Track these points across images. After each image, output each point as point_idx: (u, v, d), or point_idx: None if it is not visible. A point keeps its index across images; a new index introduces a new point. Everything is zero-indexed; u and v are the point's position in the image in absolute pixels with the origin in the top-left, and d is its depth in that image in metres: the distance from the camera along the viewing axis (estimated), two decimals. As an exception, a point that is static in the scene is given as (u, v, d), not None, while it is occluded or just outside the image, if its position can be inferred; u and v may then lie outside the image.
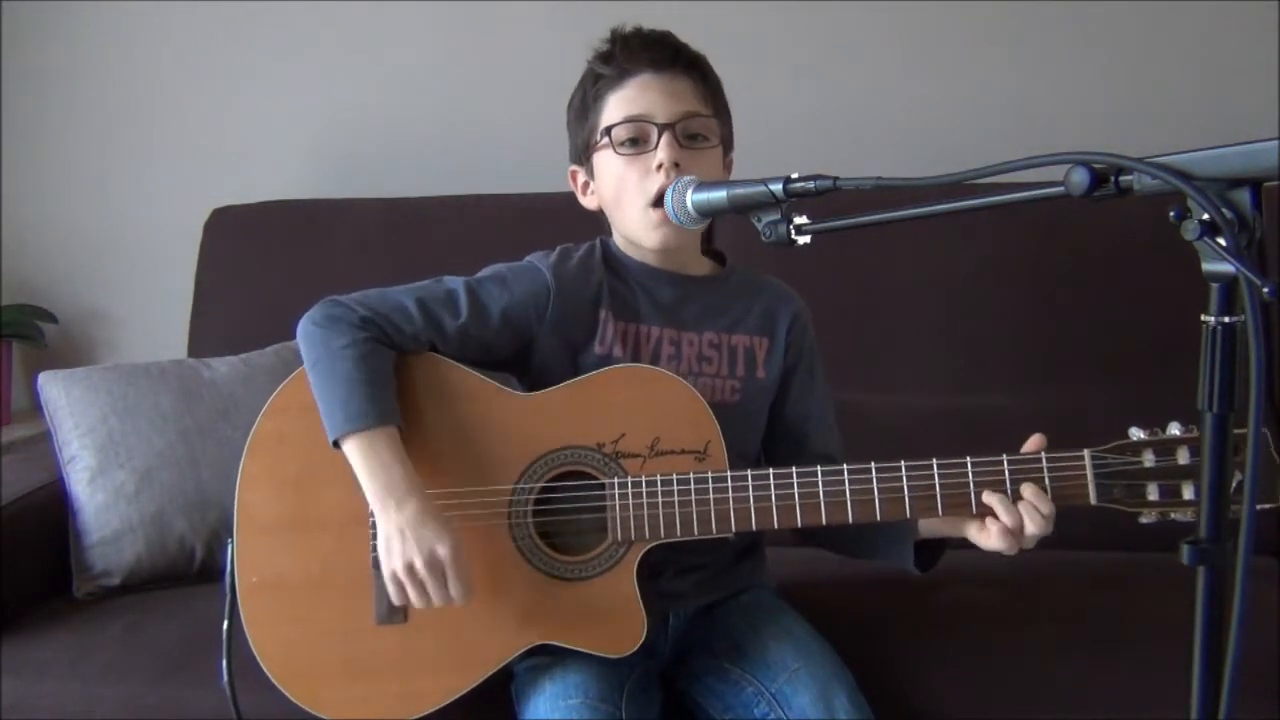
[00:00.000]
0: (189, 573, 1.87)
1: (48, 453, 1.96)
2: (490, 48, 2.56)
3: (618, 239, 1.53)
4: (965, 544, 1.37)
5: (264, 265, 2.34)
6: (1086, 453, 1.30)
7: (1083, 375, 2.12)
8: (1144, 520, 1.28)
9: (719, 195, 1.28)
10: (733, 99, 1.51)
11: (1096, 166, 0.94)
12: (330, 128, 2.62)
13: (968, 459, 1.32)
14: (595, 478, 1.38)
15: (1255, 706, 1.39)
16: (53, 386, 1.95)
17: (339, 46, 2.60)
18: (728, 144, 1.51)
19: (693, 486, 1.35)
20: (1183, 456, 1.27)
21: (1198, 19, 2.36)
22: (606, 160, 1.46)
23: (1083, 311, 2.15)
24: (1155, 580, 1.45)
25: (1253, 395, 0.84)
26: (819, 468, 1.34)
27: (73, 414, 1.91)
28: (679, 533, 1.35)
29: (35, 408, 2.16)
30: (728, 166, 1.51)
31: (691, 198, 1.32)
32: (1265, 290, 0.82)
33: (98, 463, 1.88)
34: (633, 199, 1.43)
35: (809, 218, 1.20)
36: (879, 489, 1.33)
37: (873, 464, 1.33)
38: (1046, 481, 1.30)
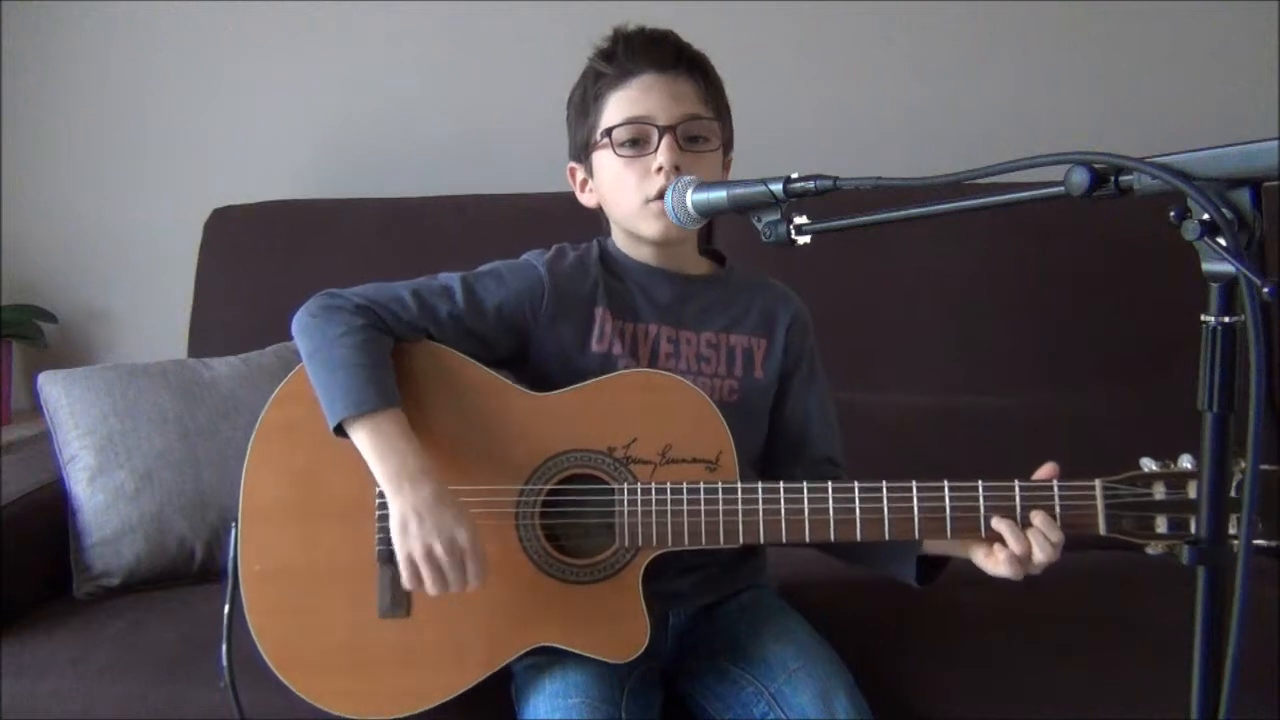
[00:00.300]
0: (189, 573, 1.87)
1: (48, 453, 1.96)
2: (490, 48, 2.56)
3: (616, 238, 1.53)
4: (967, 561, 1.37)
5: (264, 265, 2.34)
6: (1098, 483, 1.29)
7: (1083, 375, 2.13)
8: (1150, 552, 1.27)
9: (719, 195, 1.28)
10: (733, 99, 1.51)
11: (1096, 166, 0.94)
12: (330, 128, 2.62)
13: (979, 482, 1.31)
14: (605, 482, 1.37)
15: (1255, 706, 1.38)
16: (53, 386, 1.95)
17: (339, 47, 2.60)
18: (728, 145, 1.50)
19: (702, 497, 1.35)
20: (1193, 490, 1.25)
21: (1198, 19, 2.36)
22: (606, 160, 1.46)
23: (1083, 312, 2.15)
24: (1155, 580, 1.46)
25: (1253, 395, 0.84)
26: (830, 484, 1.34)
27: (73, 414, 1.91)
28: (686, 542, 1.35)
29: (35, 408, 2.17)
30: (727, 166, 1.51)
31: (691, 197, 1.32)
32: (1265, 290, 0.82)
33: (98, 463, 1.88)
34: (631, 198, 1.43)
35: (809, 218, 1.20)
36: (889, 509, 1.32)
37: (884, 484, 1.33)
38: (1057, 509, 1.29)
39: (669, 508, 1.35)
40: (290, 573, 1.40)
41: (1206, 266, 0.90)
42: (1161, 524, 1.27)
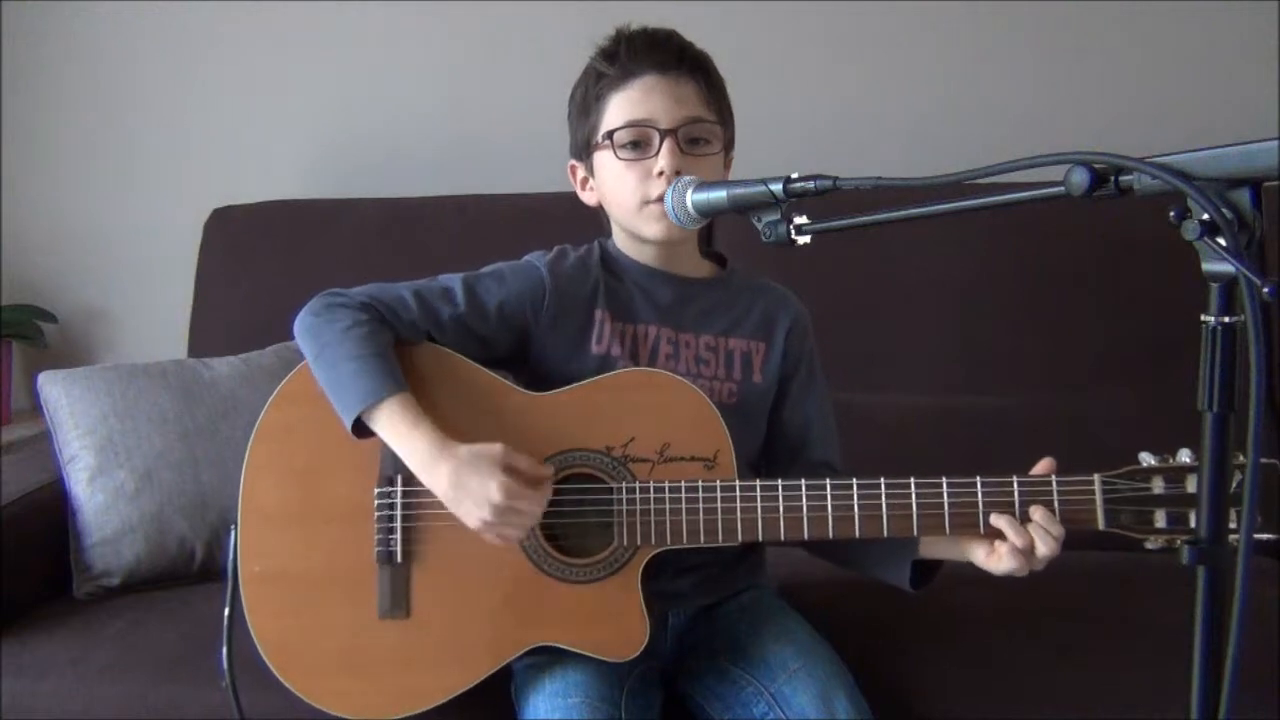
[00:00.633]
0: (189, 573, 1.87)
1: (48, 453, 1.96)
2: (491, 48, 2.56)
3: (617, 239, 1.53)
4: (967, 562, 1.36)
5: (264, 265, 2.34)
6: (1097, 477, 1.29)
7: (1083, 375, 2.13)
8: (1149, 546, 1.28)
9: (719, 195, 1.28)
10: (734, 98, 1.50)
11: (1096, 166, 0.94)
12: (330, 128, 2.62)
13: (977, 478, 1.31)
14: (603, 481, 1.37)
15: (1255, 706, 1.38)
16: (53, 386, 1.95)
17: (339, 47, 2.60)
18: (729, 146, 1.50)
19: (700, 495, 1.35)
20: (1191, 485, 1.26)
21: (1198, 19, 2.36)
22: (607, 161, 1.45)
23: (1083, 312, 2.15)
24: (1155, 580, 1.45)
25: (1253, 395, 0.84)
26: (828, 481, 1.34)
27: (73, 414, 1.91)
28: (685, 540, 1.35)
29: (35, 408, 2.17)
30: (727, 166, 1.51)
31: (691, 197, 1.32)
32: (1265, 290, 0.82)
33: (98, 463, 1.88)
34: (631, 200, 1.43)
35: (809, 218, 1.20)
36: (887, 505, 1.32)
37: (882, 480, 1.33)
38: (1056, 504, 1.29)
39: (667, 506, 1.35)
40: (290, 574, 1.40)
41: (1206, 266, 0.89)
42: (1160, 518, 1.27)
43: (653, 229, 1.43)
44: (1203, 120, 2.29)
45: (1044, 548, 1.29)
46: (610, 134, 1.43)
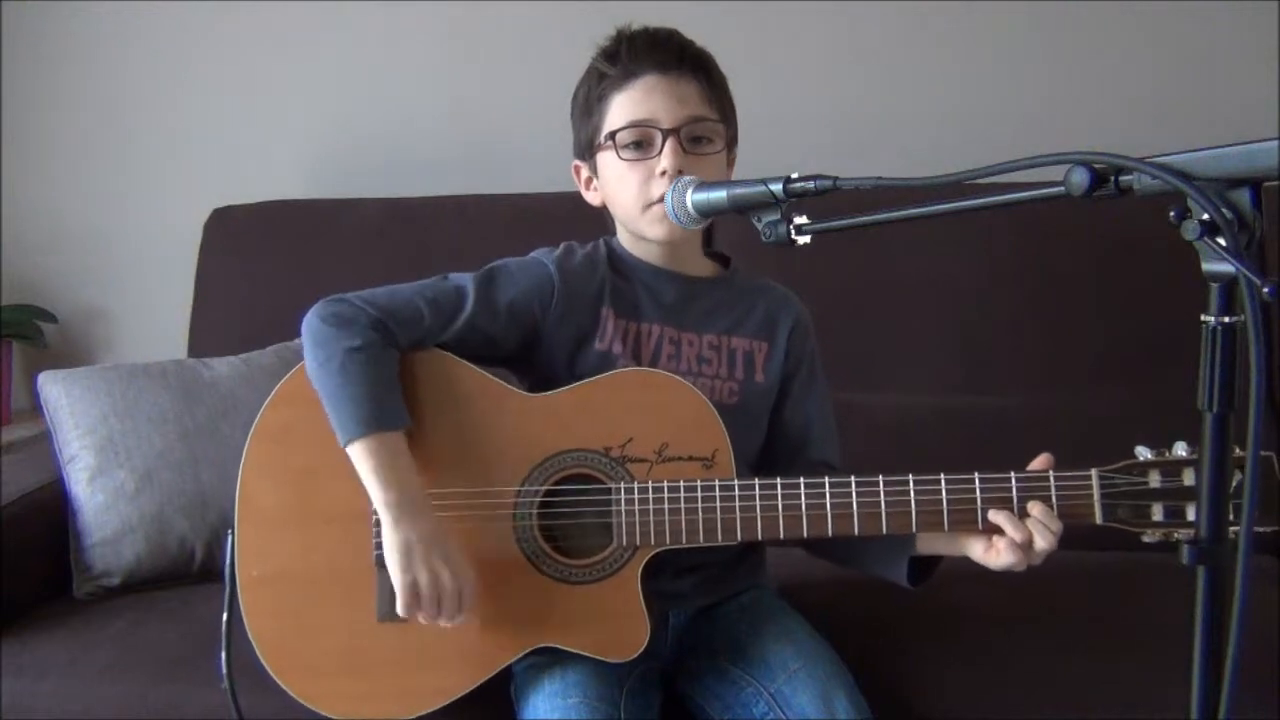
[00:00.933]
0: (189, 573, 1.87)
1: (48, 453, 1.96)
2: (491, 48, 2.56)
3: (621, 238, 1.53)
4: (966, 559, 1.36)
5: (264, 265, 2.34)
6: (1094, 472, 1.29)
7: (1083, 375, 2.13)
8: (1147, 539, 1.28)
9: (719, 195, 1.28)
10: (735, 98, 1.50)
11: (1096, 166, 0.94)
12: (330, 128, 2.62)
13: (975, 475, 1.31)
14: (601, 481, 1.37)
15: (1255, 706, 1.38)
16: (53, 386, 1.95)
17: (339, 46, 2.60)
18: (732, 143, 1.50)
19: (699, 494, 1.35)
20: (1188, 478, 1.26)
21: (1198, 19, 2.36)
22: (610, 162, 1.45)
23: (1083, 312, 2.15)
24: (1155, 580, 1.45)
25: (1253, 395, 0.84)
26: (826, 479, 1.34)
27: (73, 414, 1.91)
28: (684, 540, 1.35)
29: (35, 408, 2.17)
30: (731, 163, 1.51)
31: (691, 197, 1.32)
32: (1265, 290, 0.82)
33: (98, 463, 1.88)
34: (634, 201, 1.43)
35: (809, 218, 1.20)
36: (886, 501, 1.32)
37: (880, 477, 1.33)
38: (1053, 499, 1.30)
39: (666, 506, 1.35)
40: (288, 577, 1.40)
41: (1206, 266, 0.89)
42: (1158, 512, 1.27)
43: (655, 231, 1.44)
44: (1203, 120, 2.29)
45: (1042, 542, 1.29)
46: (612, 134, 1.43)
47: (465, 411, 1.39)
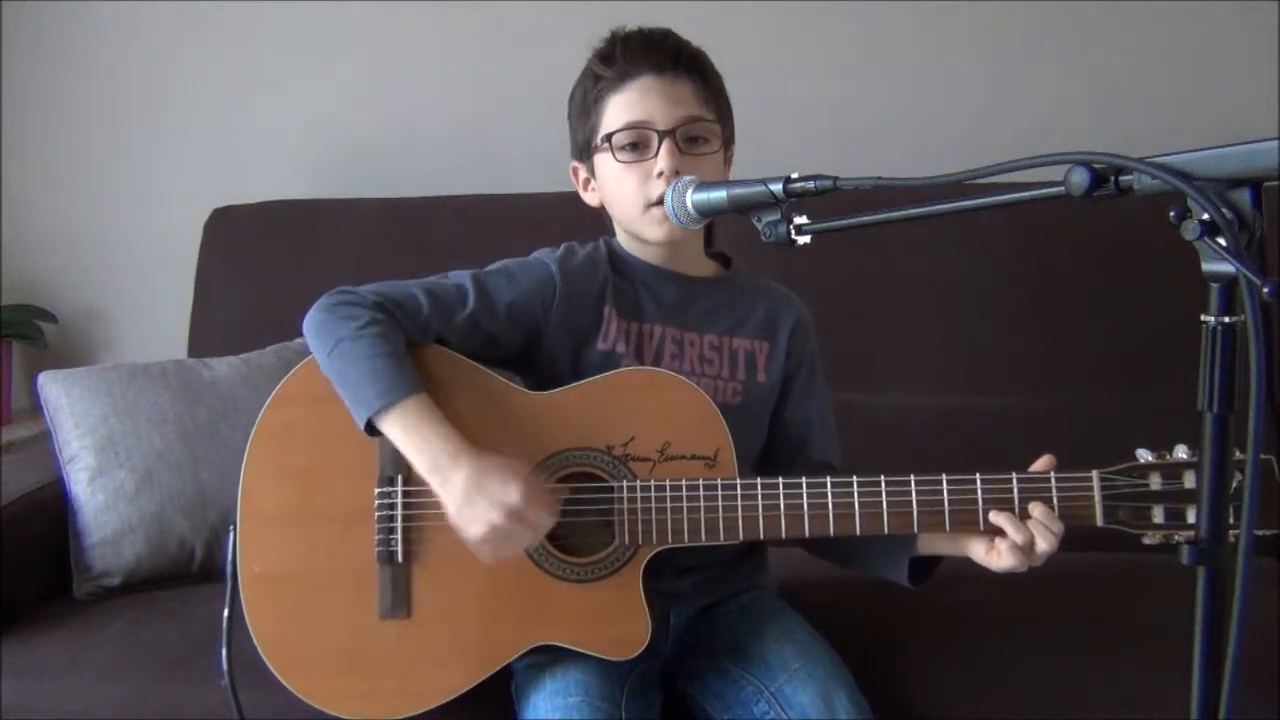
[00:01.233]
0: (189, 573, 1.87)
1: (48, 453, 1.96)
2: (491, 48, 2.56)
3: (621, 238, 1.53)
4: (966, 559, 1.36)
5: (264, 265, 2.34)
6: (1095, 474, 1.29)
7: (1083, 375, 2.13)
8: (1147, 541, 1.28)
9: (719, 195, 1.28)
10: (734, 98, 1.50)
11: (1096, 166, 0.94)
12: (330, 128, 2.62)
13: (977, 476, 1.31)
14: (604, 480, 1.37)
15: (1255, 706, 1.38)
16: (53, 386, 1.95)
17: (339, 47, 2.60)
18: (729, 143, 1.50)
19: (701, 493, 1.35)
20: (1189, 480, 1.26)
21: (1198, 19, 2.36)
22: (607, 164, 1.45)
23: (1083, 312, 2.15)
24: (1155, 580, 1.45)
25: (1253, 395, 0.84)
26: (828, 479, 1.34)
27: (73, 414, 1.91)
28: (686, 539, 1.35)
29: (35, 408, 2.17)
30: (728, 162, 1.51)
31: (691, 198, 1.32)
32: (1265, 290, 0.82)
33: (98, 463, 1.88)
34: (633, 202, 1.43)
35: (809, 218, 1.20)
36: (887, 502, 1.32)
37: (882, 477, 1.33)
38: (1054, 501, 1.30)
39: (668, 505, 1.35)
40: (290, 575, 1.40)
41: (1206, 266, 0.90)
42: (1158, 514, 1.28)
43: (655, 232, 1.44)
44: (1203, 120, 2.29)
45: (1043, 544, 1.29)
46: (609, 137, 1.43)
47: (469, 408, 1.39)
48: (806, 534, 1.34)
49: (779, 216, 1.21)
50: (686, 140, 1.42)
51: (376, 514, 1.38)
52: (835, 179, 1.14)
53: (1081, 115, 2.40)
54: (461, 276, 1.46)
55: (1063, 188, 0.97)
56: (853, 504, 1.33)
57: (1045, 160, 0.97)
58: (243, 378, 1.99)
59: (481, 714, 1.41)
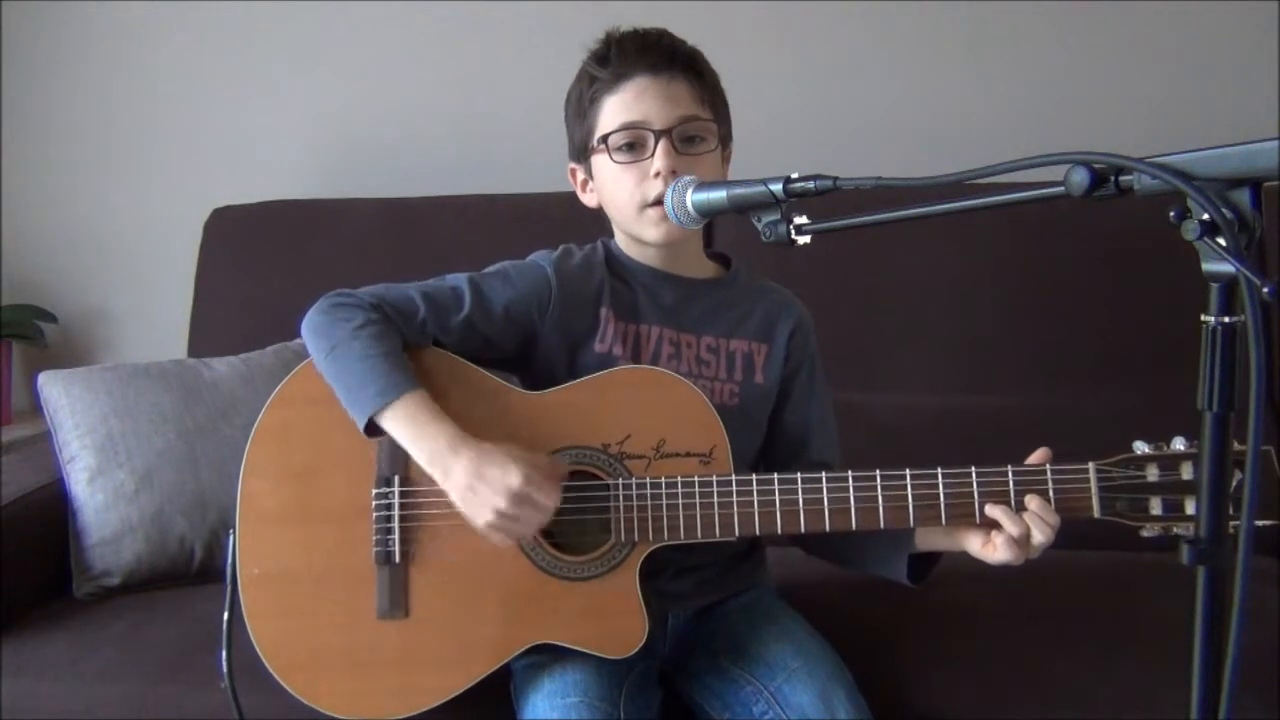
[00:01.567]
0: (189, 573, 1.87)
1: (48, 453, 1.96)
2: (490, 48, 2.56)
3: (619, 239, 1.53)
4: (962, 554, 1.36)
5: (264, 265, 2.35)
6: (1091, 465, 1.29)
7: (1083, 375, 2.13)
8: (1145, 534, 1.28)
9: (719, 195, 1.28)
10: (732, 98, 1.50)
11: (1096, 166, 0.94)
12: (330, 128, 2.62)
13: (972, 469, 1.31)
14: (600, 478, 1.37)
15: (1255, 706, 1.39)
16: (53, 386, 1.95)
17: (339, 47, 2.61)
18: (726, 141, 1.50)
19: (697, 489, 1.35)
20: (1186, 471, 1.26)
21: (1198, 19, 2.36)
22: (604, 165, 1.45)
23: (1083, 311, 2.15)
24: (1155, 580, 1.46)
25: (1253, 395, 0.84)
26: (824, 474, 1.34)
27: (73, 414, 1.91)
28: (682, 535, 1.35)
29: (35, 408, 2.17)
30: (726, 160, 1.51)
31: (691, 198, 1.32)
32: (1265, 290, 0.82)
33: (98, 463, 1.88)
34: (630, 203, 1.43)
35: (809, 218, 1.20)
36: (883, 496, 1.32)
37: (877, 471, 1.33)
38: (1051, 493, 1.30)
39: (664, 502, 1.35)
40: (289, 575, 1.40)
41: (1206, 266, 0.89)
42: (1156, 505, 1.28)
43: (653, 233, 1.43)
44: (1203, 120, 2.29)
45: (1040, 536, 1.29)
46: (605, 138, 1.43)
47: (465, 408, 1.39)
48: (803, 529, 1.34)
49: (779, 216, 1.21)
50: (683, 140, 1.42)
51: (374, 514, 1.38)
52: (835, 179, 1.14)
53: (1081, 115, 2.40)
54: (458, 279, 1.46)
55: (1063, 188, 0.96)
56: (848, 499, 1.33)
57: (1045, 160, 0.97)
58: (242, 378, 1.99)
59: (481, 714, 1.41)
